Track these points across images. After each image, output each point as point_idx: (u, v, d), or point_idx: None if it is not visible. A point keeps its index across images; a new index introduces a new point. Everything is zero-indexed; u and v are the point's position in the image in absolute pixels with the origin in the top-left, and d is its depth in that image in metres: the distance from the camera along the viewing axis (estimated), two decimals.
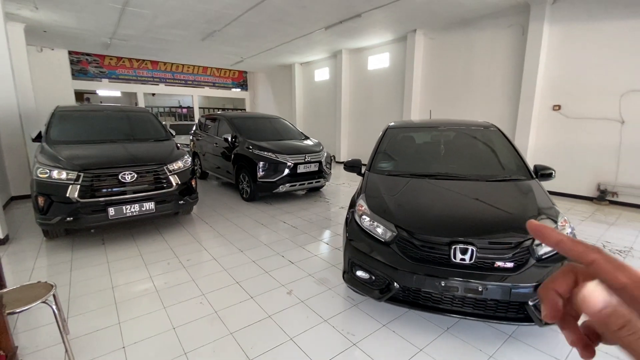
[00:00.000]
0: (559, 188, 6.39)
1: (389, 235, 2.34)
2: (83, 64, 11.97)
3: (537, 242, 2.09)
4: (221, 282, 3.04)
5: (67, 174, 3.59)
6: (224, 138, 6.19)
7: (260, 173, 5.48)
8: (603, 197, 5.83)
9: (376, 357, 2.08)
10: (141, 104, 13.72)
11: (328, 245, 3.97)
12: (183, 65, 14.36)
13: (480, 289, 2.02)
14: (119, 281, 3.06)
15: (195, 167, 8.30)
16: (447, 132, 3.66)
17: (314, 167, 5.88)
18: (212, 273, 3.22)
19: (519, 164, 3.00)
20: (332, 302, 2.70)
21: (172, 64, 14.06)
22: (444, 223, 2.32)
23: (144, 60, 13.41)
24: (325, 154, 6.21)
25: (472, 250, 2.07)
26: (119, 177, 3.79)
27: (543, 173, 2.95)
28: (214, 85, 15.62)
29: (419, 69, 8.51)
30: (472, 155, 3.37)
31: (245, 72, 16.44)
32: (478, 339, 2.26)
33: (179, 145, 4.99)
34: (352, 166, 3.48)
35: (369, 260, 2.35)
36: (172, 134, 5.37)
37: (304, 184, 5.85)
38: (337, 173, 8.68)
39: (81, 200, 3.58)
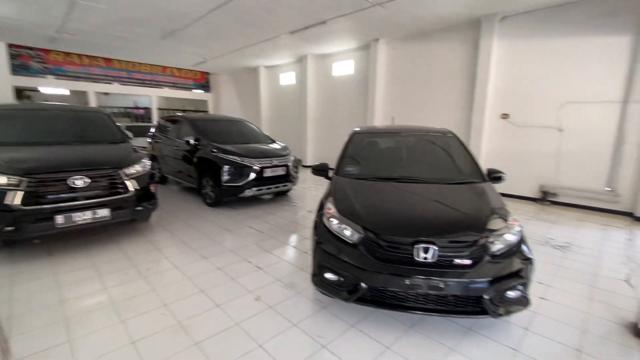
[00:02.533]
0: (507, 190, 6.93)
1: (356, 237, 2.40)
2: (24, 59, 10.92)
3: (491, 239, 2.26)
4: (184, 291, 2.91)
5: (8, 179, 3.25)
6: (186, 141, 5.96)
7: (225, 177, 5.35)
8: (545, 198, 6.43)
9: (345, 357, 2.12)
10: (92, 103, 12.80)
11: (296, 249, 3.96)
12: (140, 63, 13.63)
13: (441, 286, 2.14)
14: (69, 295, 2.82)
15: (155, 172, 7.91)
16: (409, 138, 3.84)
17: (281, 171, 5.85)
18: (175, 282, 3.07)
19: (473, 167, 3.23)
20: (301, 306, 2.70)
21: (128, 62, 13.29)
22: (407, 224, 2.42)
23: (95, 57, 12.54)
24: (293, 158, 6.21)
25: (434, 250, 2.18)
26: (68, 182, 3.50)
27: (494, 176, 3.20)
28: (174, 85, 14.99)
29: (382, 77, 8.83)
30: (432, 159, 3.56)
31: (208, 74, 15.97)
32: (440, 334, 2.38)
33: (136, 148, 4.73)
34: (320, 170, 3.53)
35: (337, 262, 2.39)
36: (128, 136, 5.07)
37: (270, 188, 5.79)
38: (304, 177, 8.70)
39: (24, 207, 3.25)
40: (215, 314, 2.58)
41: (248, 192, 5.46)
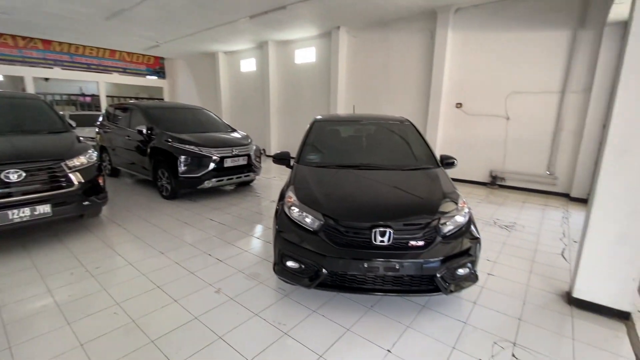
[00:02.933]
0: (461, 175, 7.35)
1: (317, 224, 2.42)
2: None
3: (442, 221, 2.39)
4: (139, 288, 2.78)
5: None
6: (138, 130, 5.59)
7: (182, 168, 5.11)
8: (494, 182, 6.91)
9: (307, 342, 2.15)
10: (30, 90, 11.55)
11: (259, 239, 3.92)
12: (84, 46, 12.47)
13: (397, 267, 2.23)
14: (7, 299, 2.57)
15: (104, 164, 7.38)
16: (368, 126, 3.91)
17: (242, 161, 5.70)
18: (128, 279, 2.91)
19: (428, 154, 3.37)
20: (263, 296, 2.69)
21: (71, 44, 12.10)
22: (365, 209, 2.49)
23: (32, 39, 11.27)
24: (254, 147, 6.08)
25: (390, 233, 2.26)
26: (1, 177, 3.15)
27: (447, 162, 3.36)
28: (124, 71, 13.94)
29: (343, 65, 8.85)
30: (389, 147, 3.66)
31: (163, 59, 15.02)
32: (397, 313, 2.49)
33: (81, 138, 4.36)
34: (281, 159, 3.49)
35: (298, 250, 2.40)
36: (71, 126, 4.65)
37: (232, 178, 5.64)
38: (268, 167, 8.58)
39: None
40: (172, 309, 2.49)
41: (207, 184, 5.27)
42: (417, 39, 7.52)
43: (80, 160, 3.83)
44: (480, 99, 6.90)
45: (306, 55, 9.79)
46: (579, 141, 5.93)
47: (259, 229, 4.26)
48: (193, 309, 2.49)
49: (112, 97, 15.35)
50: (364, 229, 2.30)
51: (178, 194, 5.47)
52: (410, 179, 2.95)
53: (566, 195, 6.18)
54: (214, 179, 5.33)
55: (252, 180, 6.50)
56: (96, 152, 4.15)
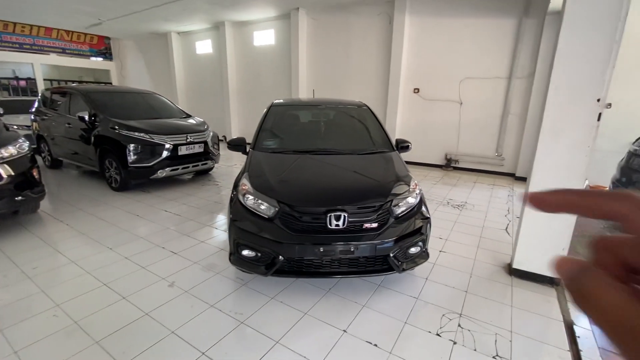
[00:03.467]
0: (419, 159, 7.62)
1: (272, 211, 2.38)
2: None
3: (394, 203, 2.46)
4: (83, 287, 2.59)
5: None
6: (79, 117, 5.11)
7: (132, 157, 4.78)
8: (449, 165, 7.25)
9: (264, 329, 2.14)
10: None
11: (218, 229, 3.81)
12: (15, 23, 11.06)
13: (352, 249, 2.28)
14: None
15: (43, 154, 6.73)
16: (326, 111, 3.88)
17: (198, 149, 5.45)
18: (71, 279, 2.71)
19: (383, 138, 3.43)
20: (220, 286, 2.63)
21: None
22: (320, 194, 2.49)
23: None
24: (212, 134, 5.83)
25: (344, 216, 2.29)
26: None
27: (402, 145, 3.44)
28: (63, 51, 12.63)
29: (304, 49, 8.67)
30: (346, 131, 3.68)
31: (108, 39, 13.77)
32: (355, 293, 2.56)
33: (9, 126, 3.90)
34: (237, 145, 3.37)
35: (253, 238, 2.36)
36: None
37: (188, 167, 5.38)
38: (229, 154, 8.30)
39: None
40: (120, 307, 2.35)
41: (161, 173, 5.00)
42: (377, 24, 7.53)
43: (9, 151, 3.44)
44: (436, 84, 7.13)
45: (265, 37, 9.45)
46: (523, 124, 6.36)
47: (217, 219, 4.13)
48: (143, 305, 2.37)
49: (51, 80, 13.90)
50: (319, 214, 2.30)
51: (129, 185, 5.13)
52: (366, 163, 2.99)
53: (512, 175, 6.66)
54: (167, 168, 5.05)
55: (210, 169, 6.27)
56: (27, 142, 3.73)
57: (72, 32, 12.61)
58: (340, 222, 2.29)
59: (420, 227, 2.52)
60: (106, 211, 4.28)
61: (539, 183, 2.63)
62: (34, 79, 12.53)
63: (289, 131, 3.61)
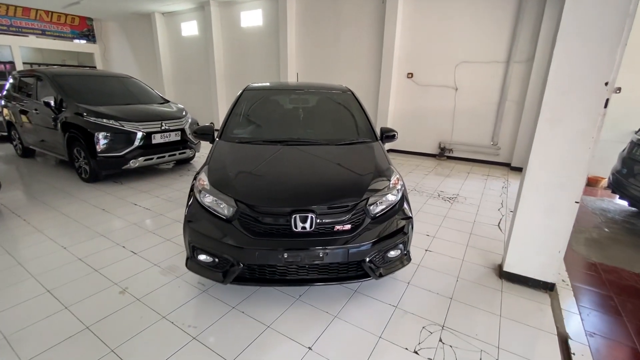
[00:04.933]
0: (412, 147, 7.32)
1: (230, 211, 2.08)
2: None
3: (371, 201, 2.16)
4: (22, 295, 2.31)
5: None
6: (45, 102, 4.74)
7: (101, 147, 4.44)
8: (443, 154, 6.95)
9: (216, 347, 1.88)
10: None
11: None
12: None
13: (321, 255, 1.99)
14: None
15: (14, 142, 6.36)
16: (304, 96, 3.54)
17: (174, 137, 5.11)
18: (10, 284, 2.42)
19: (367, 126, 3.11)
20: (177, 293, 2.36)
21: None
22: (284, 193, 2.18)
23: None
24: (190, 120, 5.47)
25: (312, 218, 2.00)
26: None
27: (387, 135, 3.13)
28: (43, 33, 12.01)
29: (292, 30, 8.20)
30: (326, 119, 3.35)
31: (91, 20, 13.12)
32: (327, 301, 2.30)
33: None
34: (203, 134, 3.03)
35: (210, 242, 2.07)
36: None
37: (164, 156, 5.05)
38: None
39: None
40: (59, 318, 2.08)
41: (133, 163, 4.67)
42: (368, 5, 7.07)
43: None
44: (431, 69, 6.75)
45: (253, 18, 8.95)
46: (520, 111, 6.03)
47: None
48: (86, 316, 2.10)
49: (31, 64, 13.31)
50: (283, 215, 2.01)
51: (99, 176, 4.81)
52: (343, 155, 2.67)
53: (507, 165, 6.38)
54: (140, 158, 4.72)
55: (190, 158, 5.93)
56: None
57: (52, 12, 11.97)
58: (307, 224, 2.00)
59: (402, 228, 2.23)
60: (71, 205, 3.97)
61: (535, 177, 2.34)
62: (13, 63, 11.95)
63: (261, 119, 3.27)
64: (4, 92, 6.28)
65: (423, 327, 2.07)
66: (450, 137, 6.88)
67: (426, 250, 3.06)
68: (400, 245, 2.25)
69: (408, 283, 2.54)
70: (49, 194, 4.32)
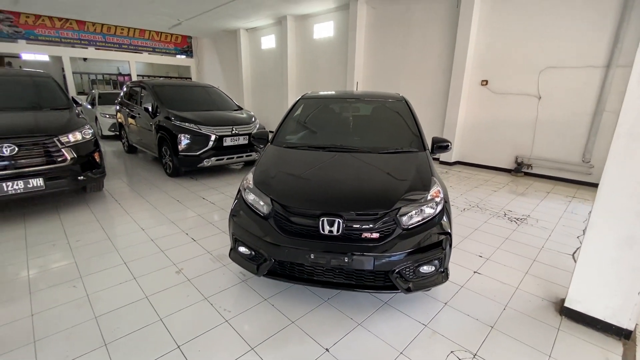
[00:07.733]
0: (483, 161, 6.73)
1: (267, 209, 2.25)
2: None
3: (403, 212, 2.11)
4: (107, 263, 2.83)
5: None
6: (144, 108, 5.69)
7: (182, 146, 5.14)
8: (519, 169, 6.23)
9: (244, 332, 2.04)
10: (68, 70, 12.31)
11: None
12: (115, 26, 12.95)
13: (346, 260, 2.02)
14: None
15: (122, 141, 7.71)
16: (356, 104, 3.58)
17: (243, 140, 5.62)
18: (100, 254, 2.98)
19: (415, 136, 3.01)
20: (220, 279, 2.62)
21: (103, 24, 12.61)
22: (316, 196, 2.26)
23: (68, 19, 11.87)
24: (257, 126, 5.96)
25: (339, 222, 2.04)
26: None
27: (440, 145, 2.99)
28: (153, 50, 14.34)
29: (361, 40, 8.32)
30: (375, 127, 3.34)
31: (190, 38, 15.22)
32: (354, 308, 2.30)
33: (80, 114, 4.50)
34: (259, 138, 3.31)
35: (248, 236, 2.26)
36: (76, 102, 4.82)
37: (232, 157, 5.60)
38: None
39: None
40: (128, 287, 2.50)
41: (207, 162, 5.28)
42: (440, 9, 6.80)
43: (75, 137, 3.94)
44: (509, 75, 6.15)
45: (324, 30, 9.35)
46: None
47: None
48: (147, 287, 2.48)
49: (143, 75, 15.97)
50: (312, 217, 2.09)
51: (180, 172, 5.56)
52: (383, 164, 2.64)
53: None
54: (213, 158, 5.32)
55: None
56: (92, 129, 4.24)
57: (161, 33, 14.23)
58: (335, 228, 2.05)
59: (439, 243, 2.13)
60: (154, 194, 4.68)
61: (609, 200, 2.00)
62: (129, 75, 14.52)
63: (311, 126, 3.42)
64: (118, 99, 7.70)
65: (451, 351, 1.93)
66: (529, 151, 6.14)
67: (475, 272, 2.82)
68: (436, 262, 2.14)
69: (445, 303, 2.39)
70: (140, 185, 5.15)
